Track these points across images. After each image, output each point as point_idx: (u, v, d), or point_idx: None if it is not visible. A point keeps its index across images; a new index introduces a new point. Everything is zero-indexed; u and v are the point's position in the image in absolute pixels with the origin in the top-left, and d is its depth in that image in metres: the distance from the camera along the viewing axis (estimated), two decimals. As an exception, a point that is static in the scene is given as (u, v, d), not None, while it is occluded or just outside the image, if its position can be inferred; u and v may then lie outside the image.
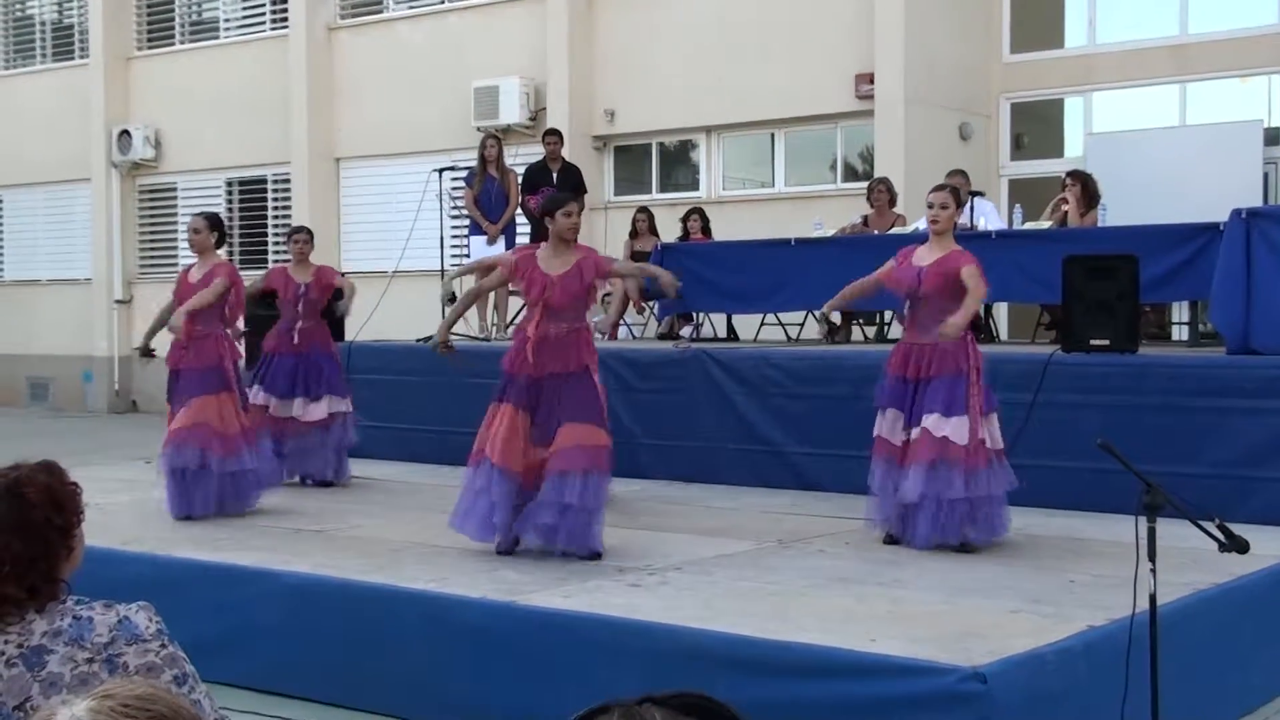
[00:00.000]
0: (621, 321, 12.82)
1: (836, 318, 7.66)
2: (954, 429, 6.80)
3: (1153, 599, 4.29)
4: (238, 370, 8.65)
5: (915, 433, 6.93)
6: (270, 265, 17.50)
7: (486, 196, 12.59)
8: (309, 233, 10.05)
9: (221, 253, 9.00)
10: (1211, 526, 4.35)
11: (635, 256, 12.81)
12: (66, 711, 1.73)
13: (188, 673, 2.59)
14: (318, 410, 9.63)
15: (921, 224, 11.66)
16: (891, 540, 7.14)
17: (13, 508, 2.60)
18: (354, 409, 9.92)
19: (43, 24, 22.48)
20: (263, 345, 9.86)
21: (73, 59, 21.70)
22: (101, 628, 2.57)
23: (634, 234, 13.75)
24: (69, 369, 21.31)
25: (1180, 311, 11.12)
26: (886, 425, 7.11)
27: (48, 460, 2.74)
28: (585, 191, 12.88)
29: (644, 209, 14.06)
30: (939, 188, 7.45)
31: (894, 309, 11.66)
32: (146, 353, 8.99)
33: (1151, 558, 4.25)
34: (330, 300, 9.82)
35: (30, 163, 21.56)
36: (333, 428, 9.73)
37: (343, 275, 10.42)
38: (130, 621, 2.58)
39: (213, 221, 8.66)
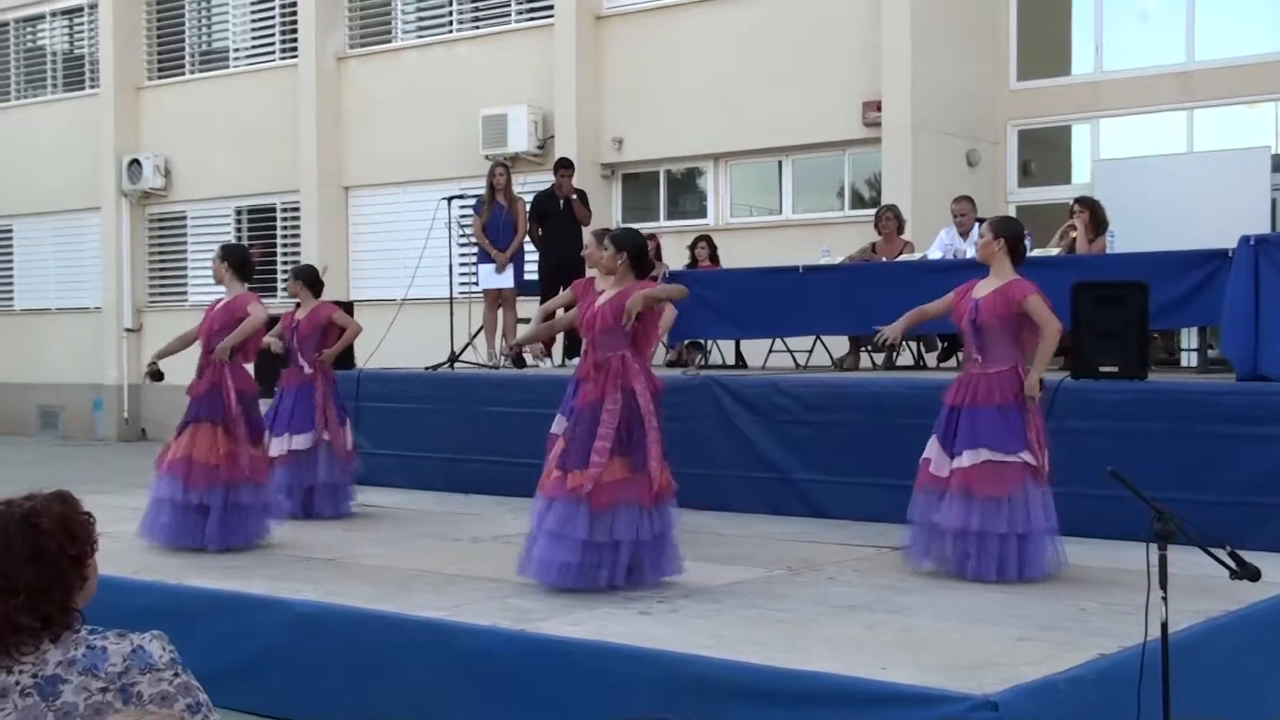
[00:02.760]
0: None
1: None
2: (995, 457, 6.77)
3: (1164, 627, 4.28)
4: (249, 400, 8.33)
5: (958, 461, 6.87)
6: (278, 295, 17.56)
7: (495, 225, 12.63)
8: (296, 273, 10.03)
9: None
10: (1222, 554, 4.34)
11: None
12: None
13: (200, 701, 2.60)
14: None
15: (932, 252, 11.70)
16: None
17: (27, 538, 2.61)
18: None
19: (54, 54, 22.62)
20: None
21: (83, 88, 21.82)
22: (115, 657, 2.57)
23: None
24: (79, 397, 21.35)
25: (1189, 338, 11.11)
26: (934, 455, 7.02)
27: (61, 490, 2.75)
28: (591, 214, 12.95)
29: (651, 235, 14.07)
30: (989, 220, 7.46)
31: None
32: (156, 375, 8.65)
33: (1163, 585, 4.25)
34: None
35: (41, 192, 21.66)
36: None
37: (340, 311, 10.09)
38: (144, 650, 2.59)
39: (225, 252, 8.47)
